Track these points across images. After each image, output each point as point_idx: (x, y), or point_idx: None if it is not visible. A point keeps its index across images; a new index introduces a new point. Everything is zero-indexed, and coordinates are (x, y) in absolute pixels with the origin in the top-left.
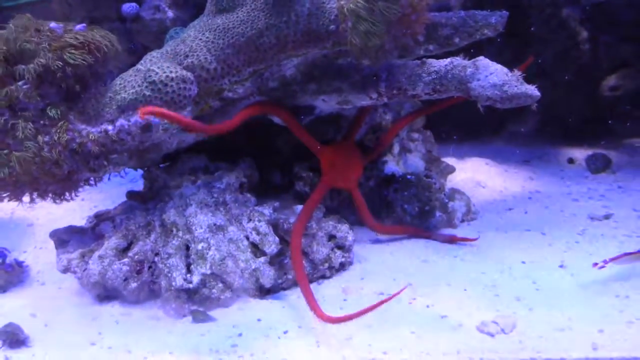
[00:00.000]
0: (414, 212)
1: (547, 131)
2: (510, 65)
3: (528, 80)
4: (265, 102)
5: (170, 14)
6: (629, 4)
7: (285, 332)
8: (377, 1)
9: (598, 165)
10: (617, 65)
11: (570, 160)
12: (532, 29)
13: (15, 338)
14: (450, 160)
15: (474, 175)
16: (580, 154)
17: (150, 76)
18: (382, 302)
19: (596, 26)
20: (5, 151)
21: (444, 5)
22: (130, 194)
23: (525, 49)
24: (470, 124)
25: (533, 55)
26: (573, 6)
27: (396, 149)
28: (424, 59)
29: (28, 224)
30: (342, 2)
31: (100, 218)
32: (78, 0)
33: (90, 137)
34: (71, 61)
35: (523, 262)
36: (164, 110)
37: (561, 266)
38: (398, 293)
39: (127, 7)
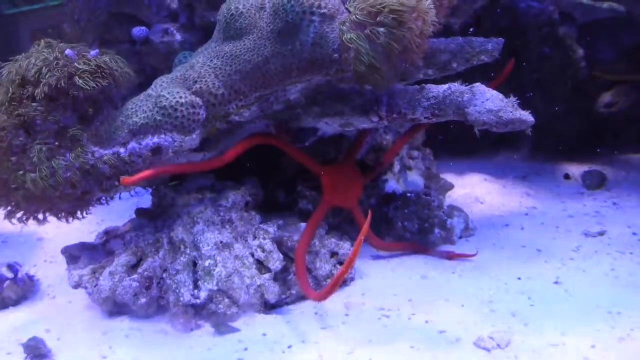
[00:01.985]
0: (413, 229)
1: (544, 147)
2: (507, 81)
3: (525, 97)
4: (263, 134)
5: (178, 37)
6: (623, 21)
7: (289, 347)
8: (378, 36)
9: (593, 182)
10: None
11: (567, 176)
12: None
13: (38, 352)
14: (449, 176)
15: (472, 190)
16: (576, 169)
17: (160, 101)
18: (354, 253)
19: (592, 44)
20: (21, 172)
21: (446, 24)
22: (139, 212)
23: (523, 66)
24: (469, 140)
25: (514, 60)
26: (569, 25)
27: (396, 167)
28: (423, 85)
29: (37, 238)
30: (344, 35)
31: (110, 235)
32: (90, 23)
33: (104, 160)
34: (84, 86)
35: (519, 278)
36: (147, 172)
37: (556, 282)
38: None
39: (137, 31)
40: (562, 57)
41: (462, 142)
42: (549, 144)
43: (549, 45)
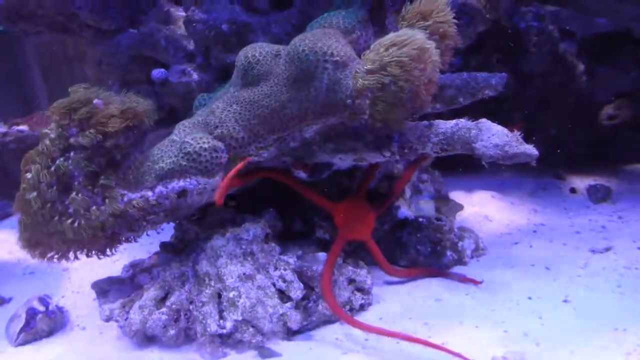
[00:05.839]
0: (426, 252)
1: (550, 161)
2: (513, 99)
3: (532, 113)
4: (274, 170)
5: (195, 76)
6: (622, 35)
7: None
8: (389, 85)
9: (599, 196)
10: (614, 95)
11: (573, 190)
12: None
13: None
14: (457, 194)
15: (481, 209)
16: (581, 183)
17: (185, 147)
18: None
19: (592, 59)
20: (56, 218)
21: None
22: (164, 246)
23: (526, 83)
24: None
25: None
26: (569, 41)
27: (408, 193)
28: (432, 121)
29: (63, 268)
30: (358, 82)
31: (136, 268)
32: (110, 65)
33: (133, 204)
34: (113, 137)
35: (529, 298)
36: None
37: (565, 301)
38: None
39: (157, 73)
40: (563, 73)
41: (469, 159)
42: (555, 158)
43: (550, 62)
